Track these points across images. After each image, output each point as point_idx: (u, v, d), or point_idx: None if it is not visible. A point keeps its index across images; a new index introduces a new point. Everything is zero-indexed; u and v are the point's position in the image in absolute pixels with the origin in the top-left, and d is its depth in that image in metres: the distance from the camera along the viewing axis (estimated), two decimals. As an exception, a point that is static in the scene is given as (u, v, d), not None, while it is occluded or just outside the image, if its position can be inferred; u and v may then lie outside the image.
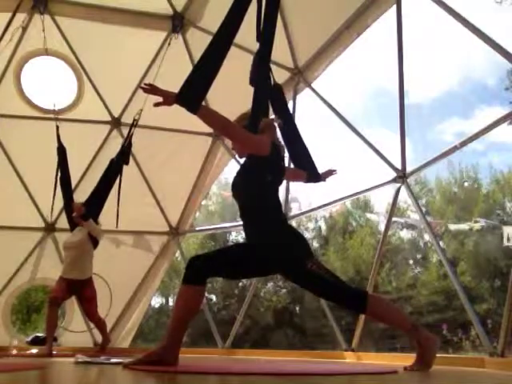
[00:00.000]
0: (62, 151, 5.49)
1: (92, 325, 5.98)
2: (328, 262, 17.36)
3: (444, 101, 24.14)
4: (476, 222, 13.70)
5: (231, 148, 3.08)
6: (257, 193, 2.74)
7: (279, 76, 5.29)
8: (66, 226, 5.43)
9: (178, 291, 2.64)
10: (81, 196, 6.07)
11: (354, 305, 2.73)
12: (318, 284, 2.67)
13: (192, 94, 2.65)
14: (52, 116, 5.83)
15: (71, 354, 4.26)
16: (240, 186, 2.82)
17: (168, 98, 2.58)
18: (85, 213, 5.01)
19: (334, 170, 3.63)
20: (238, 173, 2.90)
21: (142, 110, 5.44)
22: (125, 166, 5.47)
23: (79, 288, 4.94)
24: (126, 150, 5.53)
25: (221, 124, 2.72)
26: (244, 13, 2.96)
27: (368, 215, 17.48)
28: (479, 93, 23.39)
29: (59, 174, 5.48)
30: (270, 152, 2.71)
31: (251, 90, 3.22)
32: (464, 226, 14.16)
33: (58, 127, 5.57)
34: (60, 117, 5.95)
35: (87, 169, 6.43)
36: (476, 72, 24.58)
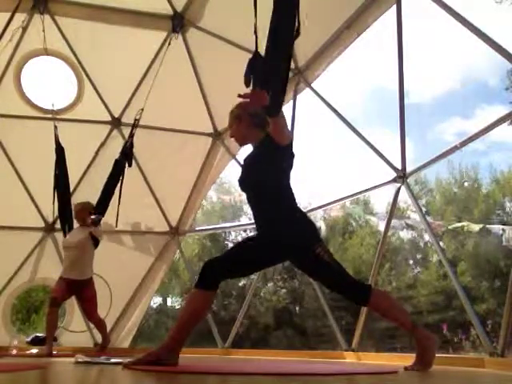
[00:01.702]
0: (60, 151, 5.44)
1: (92, 325, 5.98)
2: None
3: (444, 100, 24.17)
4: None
5: (230, 136, 3.03)
6: (272, 180, 2.74)
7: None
8: (66, 226, 5.41)
9: (189, 293, 2.64)
10: (81, 196, 6.07)
11: (357, 296, 2.74)
12: (323, 270, 2.69)
13: (279, 99, 2.67)
14: (55, 116, 5.81)
15: (71, 354, 4.25)
16: (253, 175, 2.81)
17: (258, 101, 2.58)
18: (96, 220, 4.99)
19: None
20: (249, 163, 2.88)
21: (142, 110, 5.43)
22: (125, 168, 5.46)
23: (79, 288, 4.93)
24: (128, 150, 5.51)
25: (284, 125, 2.69)
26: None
27: (367, 217, 17.47)
28: (480, 92, 23.40)
29: (58, 174, 5.44)
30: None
31: (251, 88, 3.20)
32: (463, 225, 14.17)
33: (56, 127, 5.54)
34: (60, 117, 5.95)
35: (87, 169, 6.43)
36: (477, 71, 24.61)
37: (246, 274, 2.96)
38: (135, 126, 5.54)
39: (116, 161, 5.47)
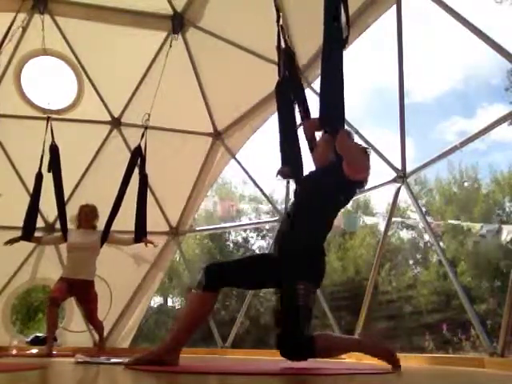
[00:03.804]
0: (54, 151, 5.31)
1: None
2: (328, 262, 17.35)
3: (446, 100, 24.18)
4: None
5: (313, 155, 3.00)
6: (322, 205, 2.69)
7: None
8: (66, 226, 5.39)
9: (189, 295, 2.63)
10: (81, 196, 6.07)
11: (300, 352, 2.60)
12: (288, 307, 2.58)
13: (335, 116, 2.62)
14: (55, 116, 5.79)
15: (71, 354, 4.26)
16: (310, 189, 2.79)
17: (313, 126, 2.69)
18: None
19: None
20: (316, 175, 2.88)
21: (149, 115, 5.36)
22: (124, 167, 5.42)
23: (85, 289, 4.89)
24: (143, 158, 5.43)
25: (351, 148, 2.65)
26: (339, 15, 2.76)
27: (367, 218, 17.41)
28: (481, 91, 23.40)
29: (52, 175, 5.37)
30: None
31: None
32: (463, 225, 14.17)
33: (51, 125, 5.44)
34: (60, 117, 5.94)
35: (87, 169, 6.43)
36: (478, 70, 24.59)
37: (244, 288, 2.92)
38: (145, 132, 5.39)
39: (142, 176, 5.39)
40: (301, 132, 3.07)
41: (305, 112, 3.18)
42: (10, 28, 4.99)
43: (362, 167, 2.66)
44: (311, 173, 2.94)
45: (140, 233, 5.27)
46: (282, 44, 3.45)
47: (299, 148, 3.10)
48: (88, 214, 5.12)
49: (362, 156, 2.68)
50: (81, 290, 4.88)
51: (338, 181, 2.63)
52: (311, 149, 3.05)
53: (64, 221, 5.26)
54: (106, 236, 5.12)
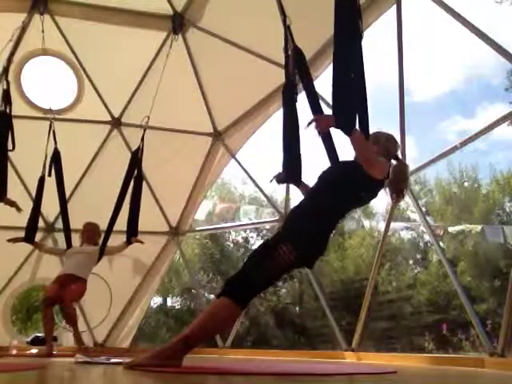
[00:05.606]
0: (56, 156, 5.35)
1: (92, 325, 5.97)
2: (328, 262, 17.35)
3: (446, 100, 24.18)
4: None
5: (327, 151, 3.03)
6: (341, 189, 2.70)
7: (279, 76, 5.30)
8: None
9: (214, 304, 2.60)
10: (81, 196, 6.06)
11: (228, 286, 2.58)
12: (258, 258, 2.59)
13: (349, 118, 2.61)
14: (54, 116, 5.79)
15: (71, 354, 4.26)
16: (331, 176, 2.82)
17: (326, 123, 2.66)
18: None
19: None
20: (340, 165, 2.91)
21: (148, 118, 5.33)
22: (124, 167, 5.42)
23: (71, 281, 4.88)
24: (139, 161, 5.40)
25: (366, 150, 2.67)
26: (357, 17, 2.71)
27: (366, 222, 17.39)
28: (482, 91, 23.41)
29: (56, 184, 5.37)
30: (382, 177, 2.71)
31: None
32: (462, 228, 14.16)
33: (54, 131, 5.43)
34: (60, 117, 5.93)
35: (87, 169, 6.43)
36: (478, 70, 24.59)
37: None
38: (144, 135, 5.37)
39: (137, 179, 5.34)
40: (305, 131, 3.06)
41: (316, 110, 3.16)
42: (22, 31, 5.00)
43: (376, 168, 2.68)
44: (333, 166, 2.96)
45: (131, 234, 5.28)
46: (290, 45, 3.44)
47: (299, 153, 3.12)
48: (90, 232, 5.27)
49: (375, 158, 2.70)
50: (68, 282, 4.86)
51: (362, 176, 2.66)
52: (326, 145, 3.04)
53: (68, 234, 5.33)
54: (103, 252, 5.21)
